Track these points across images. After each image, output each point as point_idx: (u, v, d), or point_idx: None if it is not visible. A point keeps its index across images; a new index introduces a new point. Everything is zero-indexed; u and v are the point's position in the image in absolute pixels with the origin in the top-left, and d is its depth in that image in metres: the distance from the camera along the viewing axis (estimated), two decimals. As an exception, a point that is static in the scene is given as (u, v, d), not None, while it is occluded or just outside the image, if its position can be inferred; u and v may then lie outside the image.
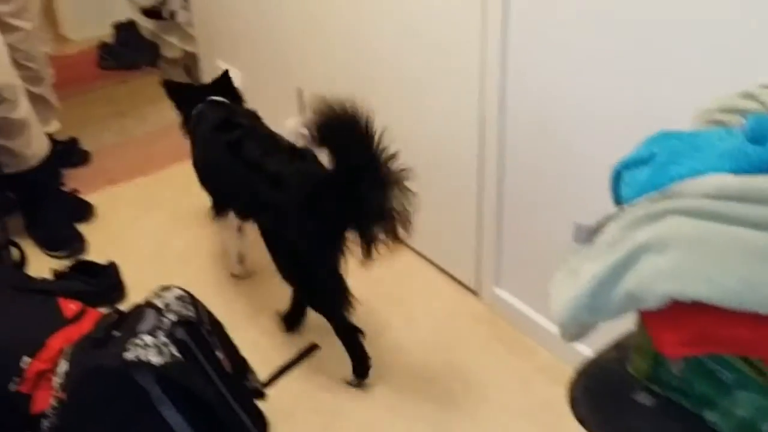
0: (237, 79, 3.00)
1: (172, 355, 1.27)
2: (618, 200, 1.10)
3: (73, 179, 2.75)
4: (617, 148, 1.11)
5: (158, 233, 2.52)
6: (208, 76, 3.26)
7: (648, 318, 0.92)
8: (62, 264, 2.24)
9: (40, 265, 2.28)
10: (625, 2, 1.46)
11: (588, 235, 0.99)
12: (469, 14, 1.81)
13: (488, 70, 1.82)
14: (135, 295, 2.18)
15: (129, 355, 1.24)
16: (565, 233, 1.74)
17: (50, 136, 2.64)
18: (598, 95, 1.60)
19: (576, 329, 0.97)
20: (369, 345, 1.86)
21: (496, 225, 1.99)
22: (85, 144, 2.99)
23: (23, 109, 2.31)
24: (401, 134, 2.19)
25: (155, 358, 1.25)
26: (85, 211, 2.58)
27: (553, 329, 1.85)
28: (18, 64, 2.35)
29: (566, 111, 1.69)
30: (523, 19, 1.70)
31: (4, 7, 2.31)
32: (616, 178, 1.09)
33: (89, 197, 2.66)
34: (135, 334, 1.27)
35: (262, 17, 2.72)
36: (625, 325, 1.00)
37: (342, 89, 2.37)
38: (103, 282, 2.15)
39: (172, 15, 3.67)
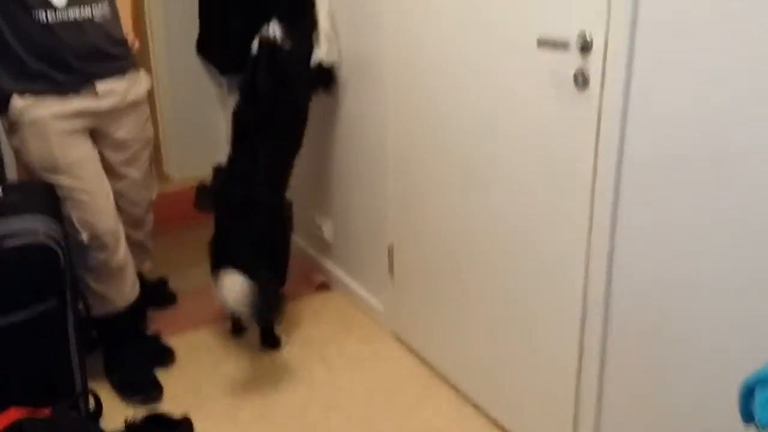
0: (328, 230, 3.03)
1: None
2: (747, 418, 1.00)
3: (158, 320, 2.75)
4: (736, 358, 1.01)
5: (236, 386, 2.45)
6: (301, 225, 3.29)
7: None
8: (136, 412, 2.19)
9: (115, 411, 2.24)
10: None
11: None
12: (575, 209, 1.78)
13: (593, 263, 1.76)
14: (206, 453, 2.10)
15: None
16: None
17: (140, 275, 2.67)
18: (717, 296, 1.49)
19: None
20: None
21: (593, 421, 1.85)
22: (174, 284, 3.02)
23: (121, 255, 2.33)
24: (495, 321, 2.13)
25: None
26: (165, 357, 2.56)
27: None
28: (121, 210, 2.40)
29: (680, 312, 1.58)
30: (633, 210, 1.64)
31: (117, 156, 2.38)
32: (747, 394, 0.99)
33: (171, 340, 2.64)
34: None
35: (355, 172, 2.75)
36: None
37: (435, 249, 2.35)
38: (176, 438, 2.08)
39: (271, 162, 3.78)
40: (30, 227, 1.79)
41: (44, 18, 2.08)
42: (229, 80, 4.14)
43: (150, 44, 4.13)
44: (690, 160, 1.49)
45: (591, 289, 1.78)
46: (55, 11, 2.09)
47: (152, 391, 2.37)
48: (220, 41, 4.01)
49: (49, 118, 2.13)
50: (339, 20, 2.65)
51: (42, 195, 2.00)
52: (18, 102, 2.12)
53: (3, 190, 1.89)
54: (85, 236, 2.21)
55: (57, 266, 1.83)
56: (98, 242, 2.25)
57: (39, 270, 1.81)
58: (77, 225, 2.20)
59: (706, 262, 1.50)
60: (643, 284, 1.65)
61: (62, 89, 2.16)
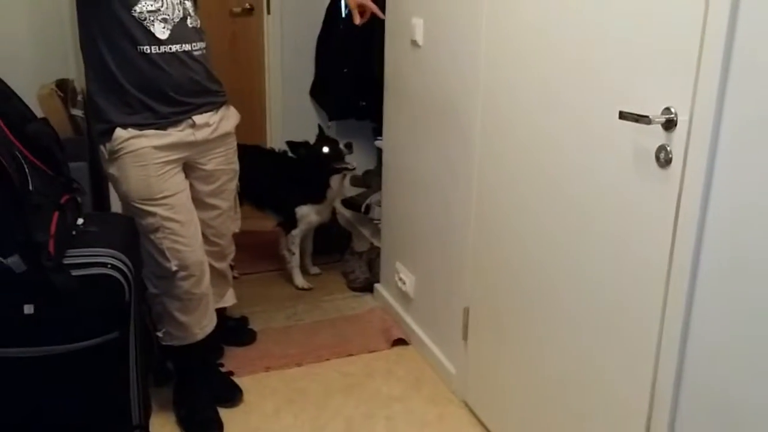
0: (411, 285, 2.98)
1: None
2: None
3: (233, 359, 2.77)
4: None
5: (297, 435, 2.43)
6: (386, 276, 3.26)
7: None
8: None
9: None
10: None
11: None
12: (651, 281, 1.66)
13: (664, 347, 1.63)
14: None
15: None
16: None
17: (224, 312, 2.70)
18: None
19: None
20: None
21: None
22: (254, 323, 3.04)
23: (205, 285, 2.37)
24: (573, 400, 2.01)
25: None
26: (233, 396, 2.56)
27: None
28: (207, 240, 2.43)
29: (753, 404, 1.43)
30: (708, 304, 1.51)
31: (205, 187, 2.42)
32: None
33: (242, 380, 2.65)
34: None
35: (439, 228, 2.70)
36: None
37: (512, 317, 2.25)
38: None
39: (368, 209, 3.78)
40: (99, 258, 1.85)
41: (149, 51, 2.13)
42: (337, 125, 4.22)
43: (267, 87, 4.31)
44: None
45: (660, 376, 1.65)
46: (159, 45, 2.14)
47: (212, 429, 2.37)
48: (332, 89, 4.13)
49: (150, 149, 2.18)
50: (429, 65, 2.64)
51: (119, 228, 2.05)
52: (122, 133, 2.17)
53: (84, 220, 1.96)
54: (174, 265, 2.25)
55: (121, 299, 1.87)
56: (186, 272, 2.28)
57: (102, 301, 1.85)
58: (168, 254, 2.24)
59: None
60: (716, 373, 1.51)
61: (163, 122, 2.21)
